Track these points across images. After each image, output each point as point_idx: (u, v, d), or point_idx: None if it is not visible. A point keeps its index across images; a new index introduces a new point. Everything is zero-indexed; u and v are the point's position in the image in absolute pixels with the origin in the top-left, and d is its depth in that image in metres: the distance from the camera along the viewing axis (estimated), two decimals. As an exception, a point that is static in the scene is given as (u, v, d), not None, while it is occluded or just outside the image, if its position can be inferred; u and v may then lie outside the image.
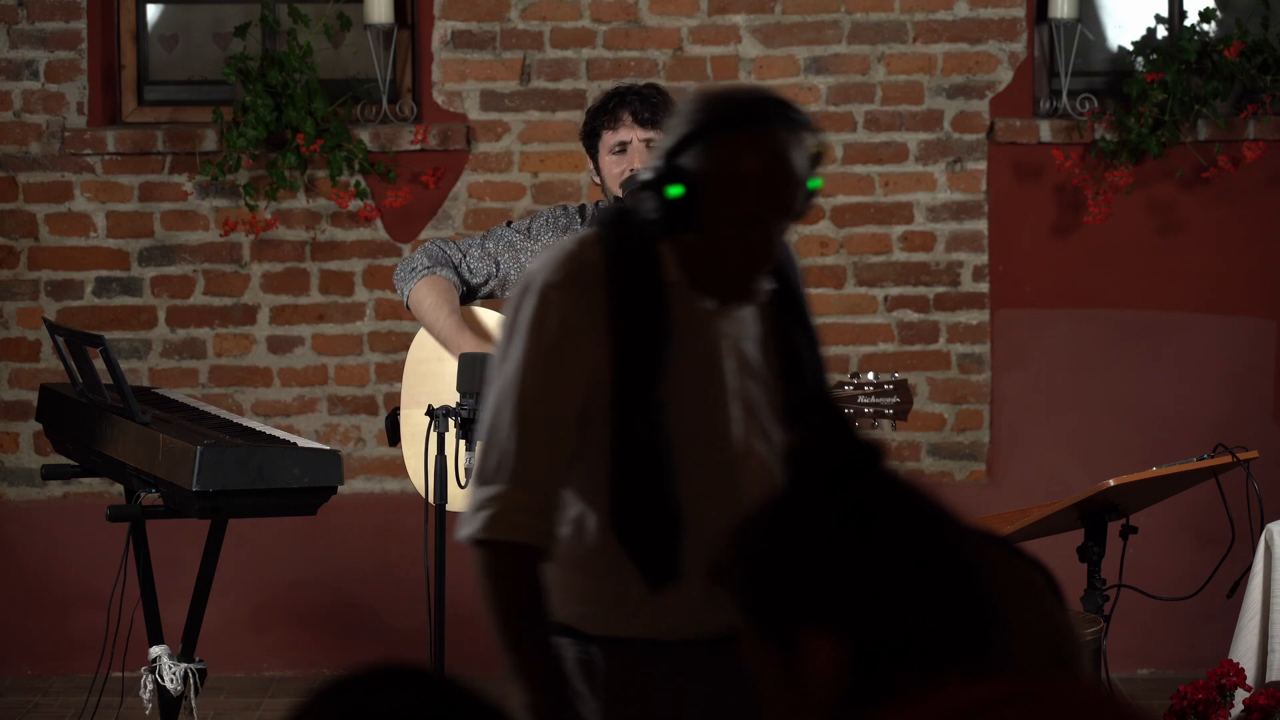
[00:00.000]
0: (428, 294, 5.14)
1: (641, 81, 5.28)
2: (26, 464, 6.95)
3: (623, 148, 5.03)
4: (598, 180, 5.13)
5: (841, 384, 4.87)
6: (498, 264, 5.18)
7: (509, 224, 5.27)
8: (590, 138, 5.09)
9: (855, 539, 2.09)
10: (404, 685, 1.88)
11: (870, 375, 4.87)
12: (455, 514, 5.04)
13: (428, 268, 5.16)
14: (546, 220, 5.21)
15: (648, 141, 5.02)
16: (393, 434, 5.29)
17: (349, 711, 1.86)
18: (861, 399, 4.84)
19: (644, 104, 5.03)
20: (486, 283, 5.20)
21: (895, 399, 4.96)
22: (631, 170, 4.99)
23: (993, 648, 2.08)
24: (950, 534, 2.12)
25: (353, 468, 6.91)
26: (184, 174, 6.92)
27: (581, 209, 5.24)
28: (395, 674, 1.89)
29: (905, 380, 5.05)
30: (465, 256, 5.18)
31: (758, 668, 2.12)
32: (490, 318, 5.22)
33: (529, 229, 5.20)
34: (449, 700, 1.88)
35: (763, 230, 3.11)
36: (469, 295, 5.22)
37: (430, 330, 5.13)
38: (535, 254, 5.15)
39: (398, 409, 5.27)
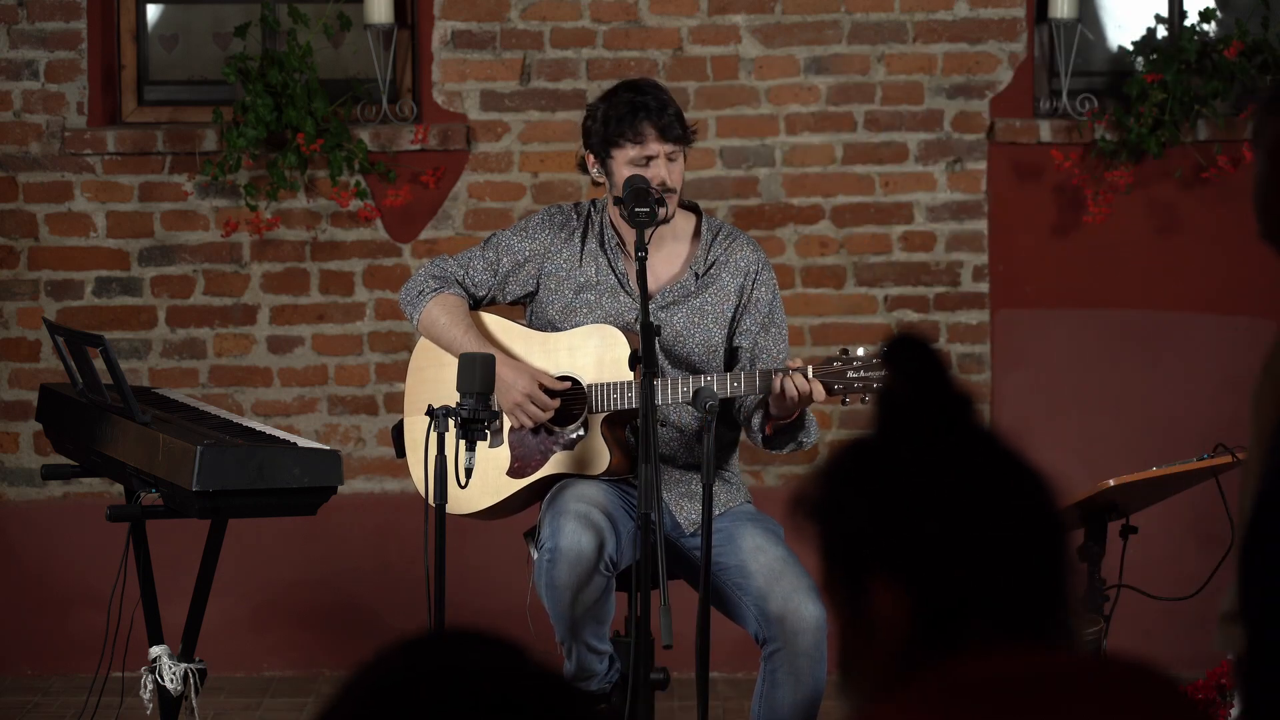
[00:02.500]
0: (441, 314, 5.12)
1: (644, 81, 5.21)
2: (26, 464, 6.94)
3: (647, 162, 5.01)
4: (601, 181, 5.11)
5: (831, 360, 4.86)
6: (497, 270, 5.17)
7: (505, 230, 5.27)
8: (605, 145, 5.04)
9: (944, 490, 2.04)
10: (490, 648, 1.85)
11: (860, 350, 4.86)
12: (455, 514, 5.06)
13: (435, 289, 5.14)
14: (543, 219, 5.20)
15: (669, 155, 5.01)
16: (399, 446, 5.27)
17: (433, 671, 1.84)
18: (850, 374, 4.83)
19: (663, 115, 5.00)
20: (489, 292, 5.19)
21: (884, 373, 4.93)
22: (661, 183, 4.99)
23: (1059, 622, 2.06)
24: (1044, 500, 2.07)
25: (353, 468, 6.91)
26: (184, 174, 6.92)
27: (576, 206, 5.23)
28: (481, 638, 1.86)
29: None
30: (467, 271, 5.16)
31: (830, 607, 2.11)
32: (494, 322, 5.20)
33: (526, 227, 5.20)
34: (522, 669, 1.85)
35: None
36: (474, 308, 5.21)
37: (450, 350, 5.08)
38: (532, 249, 5.15)
39: (402, 421, 5.26)
